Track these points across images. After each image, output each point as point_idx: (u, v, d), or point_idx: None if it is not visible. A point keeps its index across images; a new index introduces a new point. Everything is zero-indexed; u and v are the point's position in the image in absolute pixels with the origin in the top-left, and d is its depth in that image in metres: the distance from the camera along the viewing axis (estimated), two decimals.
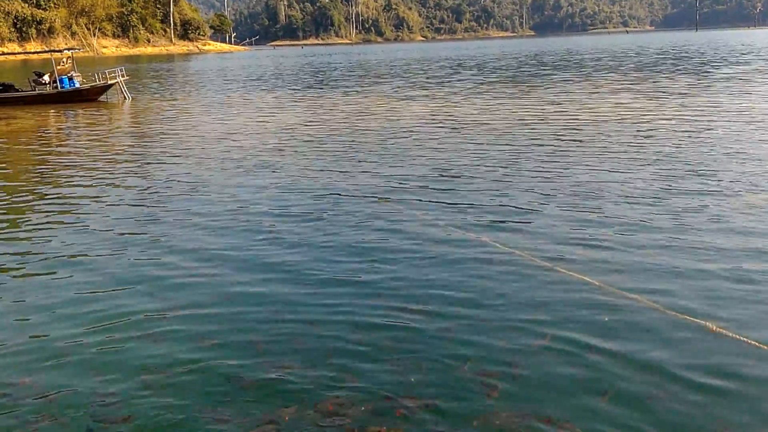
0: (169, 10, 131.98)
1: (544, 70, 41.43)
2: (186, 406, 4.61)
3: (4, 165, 14.98)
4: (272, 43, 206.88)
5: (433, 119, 19.75)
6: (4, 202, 11.08)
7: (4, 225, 9.66)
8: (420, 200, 10.21)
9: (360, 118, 20.87)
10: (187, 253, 8.09)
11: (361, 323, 5.94)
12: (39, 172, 14.01)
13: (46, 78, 29.14)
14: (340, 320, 6.02)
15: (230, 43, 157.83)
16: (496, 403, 4.58)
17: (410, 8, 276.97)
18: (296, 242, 8.36)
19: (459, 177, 11.69)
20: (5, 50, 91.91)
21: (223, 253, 8.06)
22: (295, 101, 27.43)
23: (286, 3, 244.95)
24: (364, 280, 7.07)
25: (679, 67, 38.08)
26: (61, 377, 5.11)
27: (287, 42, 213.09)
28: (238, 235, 8.79)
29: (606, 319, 5.88)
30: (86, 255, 8.13)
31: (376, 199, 10.35)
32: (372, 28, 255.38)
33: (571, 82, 31.05)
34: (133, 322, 6.12)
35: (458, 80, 35.32)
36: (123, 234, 8.98)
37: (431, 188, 10.96)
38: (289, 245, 8.26)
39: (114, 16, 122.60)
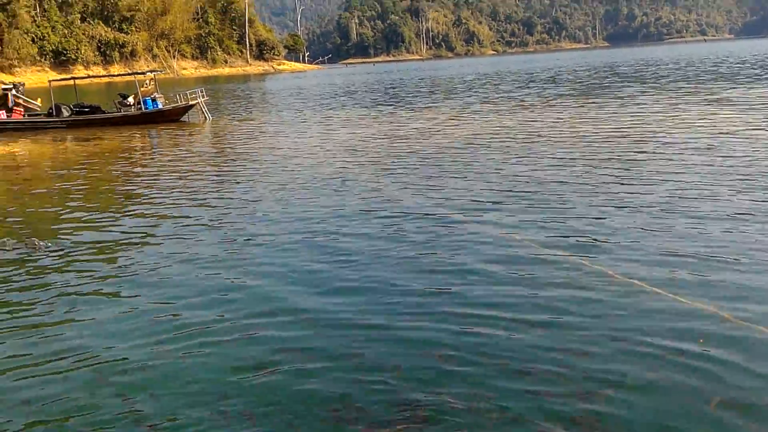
0: (245, 32, 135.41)
1: (619, 82, 40.61)
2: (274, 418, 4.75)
3: (90, 183, 15.68)
4: (344, 61, 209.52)
5: (507, 134, 19.60)
6: (91, 219, 11.60)
7: (90, 240, 10.08)
8: (498, 218, 10.10)
9: (432, 134, 20.89)
10: (264, 271, 8.27)
11: (445, 344, 5.92)
12: (123, 191, 14.56)
13: (131, 100, 30.33)
14: (419, 341, 6.03)
15: (303, 62, 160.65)
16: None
17: (480, 22, 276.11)
18: (371, 262, 8.41)
19: (536, 193, 11.53)
20: (90, 73, 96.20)
21: (298, 271, 8.21)
22: (367, 118, 27.70)
23: (357, 21, 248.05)
24: (442, 302, 6.99)
25: (763, 77, 36.73)
26: (147, 389, 5.33)
27: (359, 59, 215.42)
28: (314, 253, 8.91)
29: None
30: (163, 271, 8.44)
31: (452, 218, 10.29)
32: (442, 43, 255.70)
33: (647, 93, 30.31)
34: (210, 335, 6.32)
35: (530, 94, 34.99)
36: (200, 251, 9.26)
37: (508, 205, 10.85)
38: (365, 264, 8.33)
39: (192, 38, 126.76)
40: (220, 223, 10.95)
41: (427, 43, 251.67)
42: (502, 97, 34.89)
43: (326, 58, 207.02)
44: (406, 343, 5.98)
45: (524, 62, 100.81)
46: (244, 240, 9.80)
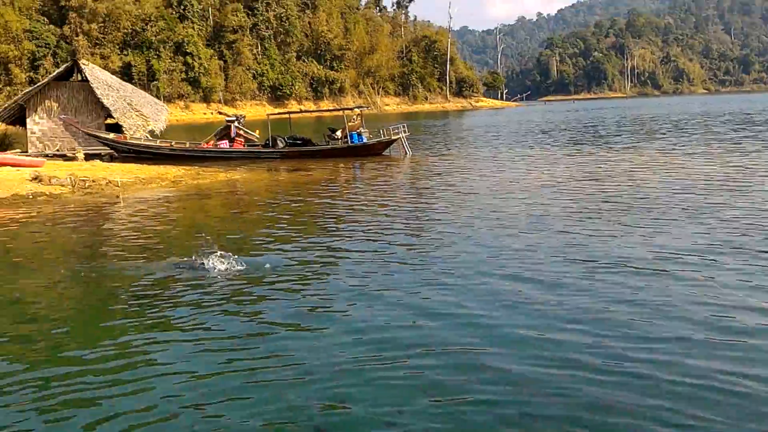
0: (446, 70, 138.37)
1: None
2: None
3: (297, 210, 16.42)
4: (543, 98, 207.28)
5: (721, 179, 18.07)
6: (295, 241, 12.05)
7: (294, 261, 10.42)
8: (703, 273, 9.12)
9: (632, 176, 19.69)
10: (448, 306, 8.09)
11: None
12: (327, 218, 15.07)
13: (339, 133, 31.79)
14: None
15: (502, 99, 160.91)
16: None
17: (691, 60, 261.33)
18: (567, 316, 7.81)
19: (745, 248, 10.34)
20: (302, 108, 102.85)
21: (478, 314, 7.91)
22: (564, 157, 26.89)
23: (558, 58, 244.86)
24: (640, 370, 6.28)
25: None
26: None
27: (559, 97, 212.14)
28: (500, 298, 8.54)
29: None
30: (356, 295, 8.50)
31: (650, 270, 9.46)
32: (648, 81, 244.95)
33: None
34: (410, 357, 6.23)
35: (744, 137, 32.22)
36: (394, 278, 9.28)
37: (715, 260, 9.78)
38: (557, 317, 7.80)
39: (396, 75, 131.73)
40: (413, 253, 11.05)
41: (631, 81, 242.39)
42: (714, 138, 32.44)
43: (525, 95, 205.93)
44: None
45: (740, 102, 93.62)
46: (436, 272, 9.77)
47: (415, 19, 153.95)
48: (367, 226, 13.84)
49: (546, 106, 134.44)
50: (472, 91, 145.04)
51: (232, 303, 8.71)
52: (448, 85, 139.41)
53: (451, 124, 66.73)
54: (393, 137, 31.74)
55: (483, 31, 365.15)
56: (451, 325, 7.66)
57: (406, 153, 31.29)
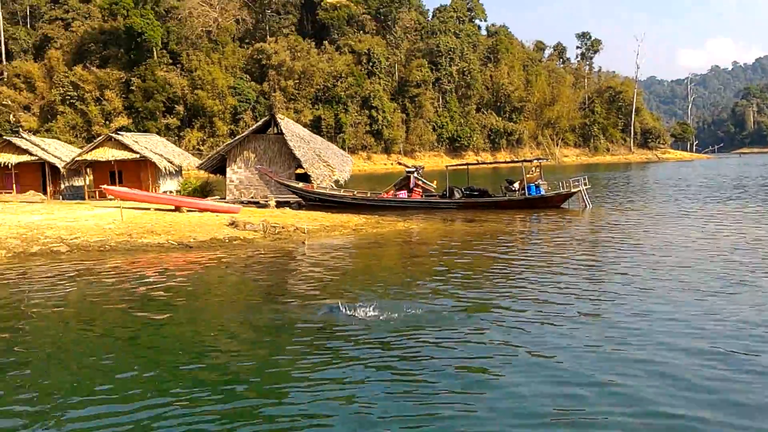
0: (631, 120, 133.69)
1: None
2: None
3: (466, 262, 16.53)
4: (738, 151, 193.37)
5: None
6: (460, 295, 12.13)
7: (454, 316, 10.53)
8: None
9: None
10: (637, 369, 7.76)
11: None
12: (500, 270, 15.00)
13: (516, 185, 31.70)
14: None
15: (691, 151, 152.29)
16: None
17: None
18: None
19: None
20: (479, 159, 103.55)
21: (671, 377, 7.55)
22: (761, 216, 24.96)
23: (755, 109, 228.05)
24: None
25: None
26: None
27: (755, 149, 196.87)
28: (691, 363, 8.13)
29: None
30: (520, 349, 8.38)
31: None
32: None
33: None
34: None
35: None
36: (571, 335, 9.07)
37: None
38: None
39: (576, 126, 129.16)
40: (581, 312, 10.81)
41: None
42: None
43: (717, 147, 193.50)
44: None
45: None
46: (601, 337, 9.46)
47: (600, 69, 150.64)
48: (538, 280, 13.68)
49: (741, 158, 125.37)
50: (659, 143, 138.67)
51: (390, 351, 8.97)
52: (632, 136, 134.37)
53: (634, 176, 64.12)
54: (573, 189, 31.13)
55: (672, 81, 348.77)
56: (609, 402, 7.39)
57: (586, 206, 30.52)
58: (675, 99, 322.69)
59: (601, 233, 21.90)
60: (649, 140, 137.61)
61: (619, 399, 7.17)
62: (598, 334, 9.60)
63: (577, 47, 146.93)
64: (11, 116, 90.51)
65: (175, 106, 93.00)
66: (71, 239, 19.57)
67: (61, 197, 37.55)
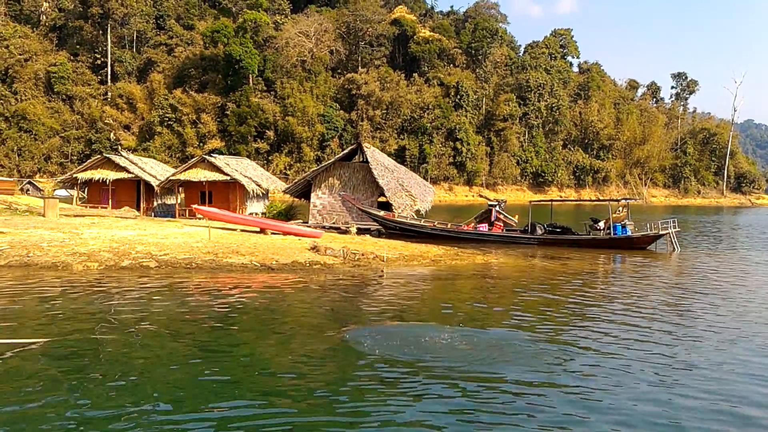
0: (724, 163, 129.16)
1: None
2: None
3: (543, 300, 16.23)
4: None
5: None
6: (533, 333, 11.93)
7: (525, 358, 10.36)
8: None
9: None
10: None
11: None
12: (572, 312, 14.68)
13: (601, 224, 31.00)
14: None
15: None
16: None
17: None
18: None
19: None
20: (563, 195, 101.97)
21: None
22: None
23: None
24: None
25: None
26: None
27: None
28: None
29: None
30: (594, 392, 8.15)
31: None
32: None
33: None
34: None
35: None
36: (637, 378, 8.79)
37: None
38: None
39: (667, 167, 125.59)
40: (659, 361, 10.44)
41: None
42: None
43: None
44: None
45: None
46: (681, 390, 9.09)
47: (695, 110, 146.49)
48: (616, 324, 13.31)
49: None
50: (753, 188, 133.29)
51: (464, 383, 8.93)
52: (725, 179, 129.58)
53: (725, 221, 61.63)
54: (661, 231, 30.22)
55: None
56: None
57: (674, 249, 29.56)
58: None
59: (687, 279, 21.12)
60: (743, 184, 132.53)
61: None
62: (672, 377, 9.28)
63: (672, 87, 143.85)
64: (112, 134, 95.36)
65: (266, 131, 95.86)
66: (160, 255, 20.35)
67: (153, 214, 39.16)
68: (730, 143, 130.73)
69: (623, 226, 30.38)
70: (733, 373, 9.86)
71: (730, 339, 12.09)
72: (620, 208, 32.68)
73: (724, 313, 14.75)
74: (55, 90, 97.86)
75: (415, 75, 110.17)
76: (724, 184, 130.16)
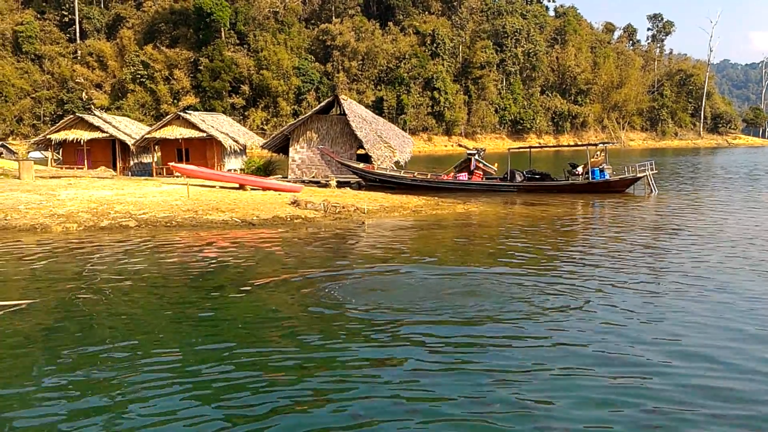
0: (701, 104, 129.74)
1: None
2: None
3: (523, 246, 16.42)
4: None
5: None
6: (516, 277, 12.12)
7: (522, 303, 10.56)
8: None
9: None
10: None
11: None
12: (552, 256, 14.89)
13: (580, 169, 31.20)
14: None
15: (763, 137, 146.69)
16: None
17: None
18: None
19: None
20: (542, 142, 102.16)
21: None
22: None
23: None
24: None
25: None
26: None
27: None
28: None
29: None
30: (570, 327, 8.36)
31: None
32: None
33: None
34: None
35: None
36: (616, 323, 9.00)
37: None
38: None
39: (644, 110, 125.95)
40: (642, 300, 10.63)
41: None
42: None
43: None
44: None
45: None
46: (663, 328, 9.30)
47: (671, 52, 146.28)
48: (598, 267, 13.53)
49: None
50: (729, 128, 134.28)
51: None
52: (702, 120, 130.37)
53: (702, 162, 62.28)
54: (638, 174, 30.50)
55: (746, 65, 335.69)
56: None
57: (651, 191, 29.89)
58: (749, 83, 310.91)
59: (665, 220, 21.43)
60: (720, 125, 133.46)
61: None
62: (656, 315, 9.52)
63: (648, 29, 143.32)
64: (83, 94, 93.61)
65: (241, 85, 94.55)
66: (140, 214, 20.26)
67: (130, 173, 38.80)
68: (706, 84, 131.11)
69: (601, 171, 30.60)
70: (708, 301, 10.12)
71: (706, 271, 12.36)
72: (598, 153, 32.87)
73: (699, 249, 15.04)
74: (24, 50, 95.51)
75: (390, 24, 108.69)
76: (701, 125, 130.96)
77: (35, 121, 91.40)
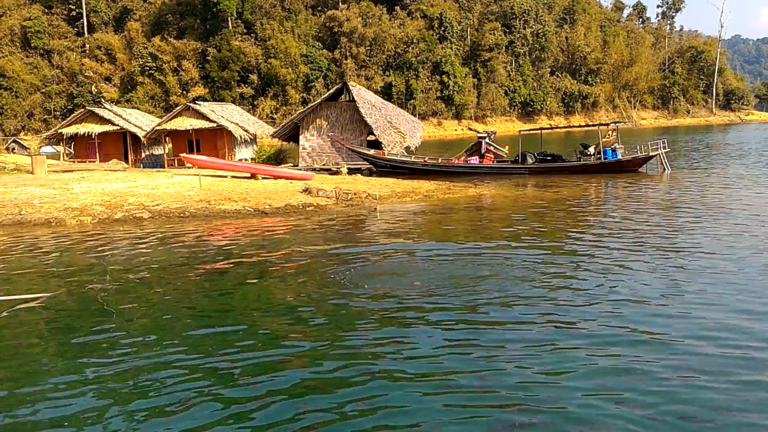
0: (713, 81, 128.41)
1: None
2: None
3: (536, 227, 16.41)
4: None
5: None
6: (535, 259, 12.11)
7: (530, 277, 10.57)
8: None
9: None
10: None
11: None
12: (565, 237, 14.85)
13: (591, 149, 31.03)
14: None
15: None
16: None
17: None
18: None
19: None
20: (552, 123, 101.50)
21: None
22: None
23: None
24: None
25: None
26: None
27: None
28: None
29: None
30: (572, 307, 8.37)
31: None
32: None
33: None
34: None
35: None
36: (636, 296, 8.99)
37: None
38: None
39: (655, 88, 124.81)
40: (657, 280, 10.61)
41: None
42: None
43: None
44: None
45: None
46: (680, 306, 9.29)
47: (681, 29, 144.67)
48: (611, 247, 13.49)
49: None
50: (742, 104, 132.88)
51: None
52: (714, 97, 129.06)
53: (715, 138, 61.78)
54: (651, 153, 30.30)
55: (758, 40, 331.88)
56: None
57: (664, 170, 29.72)
58: (761, 59, 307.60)
59: (679, 198, 21.30)
60: (732, 101, 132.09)
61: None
62: (670, 293, 9.51)
63: (658, 6, 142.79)
64: (93, 87, 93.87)
65: (250, 75, 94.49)
66: (153, 206, 20.37)
67: (141, 165, 38.97)
68: (717, 60, 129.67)
69: (613, 150, 30.43)
70: (724, 283, 10.10)
71: (724, 250, 12.32)
72: (609, 132, 32.67)
73: (714, 226, 14.98)
74: (32, 45, 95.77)
75: (397, 8, 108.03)
76: (713, 102, 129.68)
77: (46, 116, 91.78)
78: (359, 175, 30.33)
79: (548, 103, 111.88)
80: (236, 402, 6.56)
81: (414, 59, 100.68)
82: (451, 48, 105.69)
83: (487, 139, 33.14)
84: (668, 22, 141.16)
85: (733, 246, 13.03)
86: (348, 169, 31.73)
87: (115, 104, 63.71)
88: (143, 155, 40.29)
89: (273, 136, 39.50)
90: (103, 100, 79.46)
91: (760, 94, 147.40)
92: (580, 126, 60.66)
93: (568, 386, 6.63)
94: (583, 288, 10.27)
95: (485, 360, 7.44)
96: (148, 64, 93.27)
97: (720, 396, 6.36)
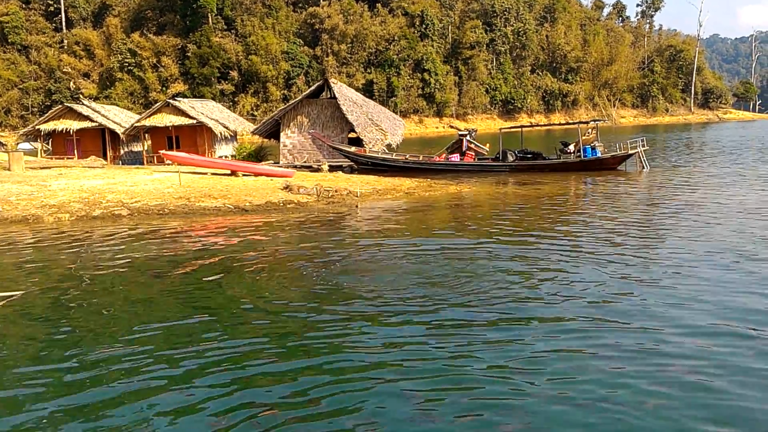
0: (691, 80, 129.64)
1: None
2: None
3: (515, 225, 16.45)
4: None
5: None
6: (507, 256, 12.16)
7: (510, 272, 10.59)
8: None
9: None
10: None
11: None
12: (544, 234, 14.88)
13: (571, 147, 31.22)
14: None
15: (754, 111, 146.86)
16: None
17: None
18: None
19: None
20: (533, 121, 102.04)
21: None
22: None
23: None
24: None
25: None
26: None
27: None
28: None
29: None
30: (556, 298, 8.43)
31: None
32: None
33: None
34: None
35: None
36: (610, 295, 9.06)
37: None
38: None
39: (635, 87, 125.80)
40: (633, 277, 10.64)
41: None
42: None
43: None
44: None
45: None
46: (656, 302, 9.34)
47: (661, 28, 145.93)
48: (590, 245, 13.55)
49: None
50: (720, 103, 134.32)
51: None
52: (692, 96, 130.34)
53: (694, 137, 62.39)
54: (630, 151, 30.54)
55: (736, 39, 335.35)
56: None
57: (643, 168, 29.96)
58: (738, 57, 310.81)
59: (658, 196, 21.49)
60: (710, 100, 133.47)
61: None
62: (641, 302, 9.57)
63: (637, 5, 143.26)
64: (71, 83, 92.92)
65: (230, 71, 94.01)
66: (132, 203, 20.19)
67: (120, 162, 38.61)
68: (696, 59, 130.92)
69: (593, 148, 30.64)
70: (695, 277, 10.19)
71: (696, 245, 12.44)
72: (589, 130, 32.87)
73: (691, 223, 15.12)
74: (9, 41, 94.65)
75: (379, 5, 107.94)
76: (692, 100, 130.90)
77: (23, 112, 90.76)
78: (340, 172, 30.27)
79: (529, 101, 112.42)
80: (198, 395, 6.50)
81: (395, 57, 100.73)
82: (433, 46, 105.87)
83: (468, 137, 33.20)
84: (647, 21, 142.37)
85: (704, 241, 13.15)
86: (329, 166, 31.66)
87: (94, 100, 63.19)
88: (122, 152, 39.90)
89: (254, 133, 39.28)
90: (81, 96, 78.74)
91: (737, 92, 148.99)
92: (560, 124, 60.95)
93: (527, 383, 6.65)
94: (565, 283, 10.31)
95: (459, 358, 7.44)
96: (127, 60, 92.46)
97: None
